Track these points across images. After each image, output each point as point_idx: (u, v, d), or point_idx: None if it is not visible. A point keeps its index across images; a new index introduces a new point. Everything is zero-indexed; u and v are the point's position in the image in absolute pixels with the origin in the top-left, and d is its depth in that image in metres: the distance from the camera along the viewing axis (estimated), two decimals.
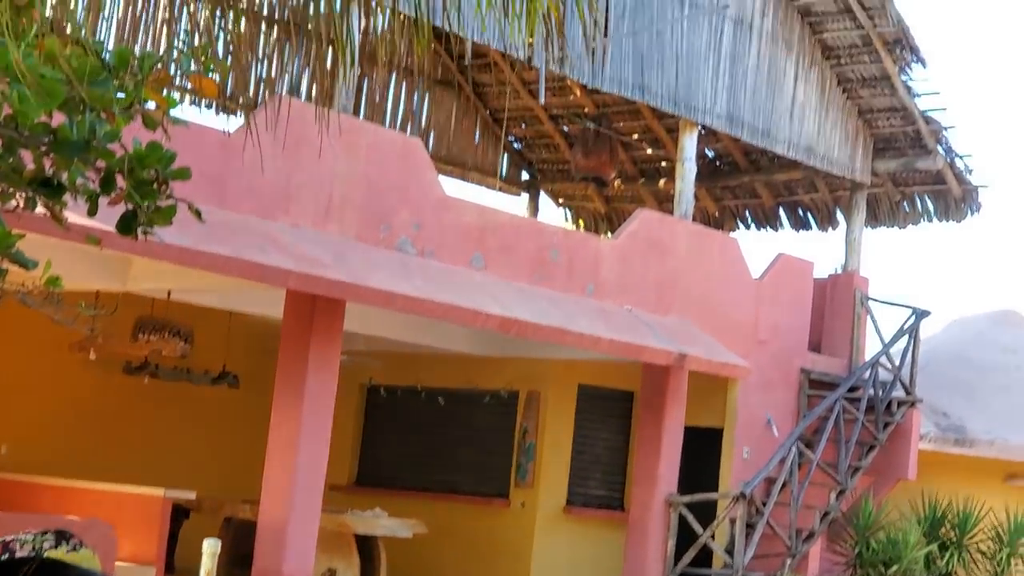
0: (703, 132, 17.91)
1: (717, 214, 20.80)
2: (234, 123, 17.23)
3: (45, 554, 6.61)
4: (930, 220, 19.31)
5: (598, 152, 19.06)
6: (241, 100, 17.89)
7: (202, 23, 7.32)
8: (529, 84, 19.81)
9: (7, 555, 6.27)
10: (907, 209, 19.42)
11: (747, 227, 20.83)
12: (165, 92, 4.92)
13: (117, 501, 13.49)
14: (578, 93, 19.56)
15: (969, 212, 18.99)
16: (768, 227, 20.68)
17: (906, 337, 18.18)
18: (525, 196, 21.88)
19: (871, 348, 18.40)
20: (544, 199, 22.04)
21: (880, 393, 17.64)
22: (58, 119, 4.48)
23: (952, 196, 18.86)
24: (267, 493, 12.72)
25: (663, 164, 20.37)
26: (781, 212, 20.48)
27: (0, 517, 11.46)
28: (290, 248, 12.23)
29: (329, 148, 12.99)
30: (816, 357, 18.00)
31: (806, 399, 17.68)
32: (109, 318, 14.86)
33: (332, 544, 14.78)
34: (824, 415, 17.03)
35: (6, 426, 15.63)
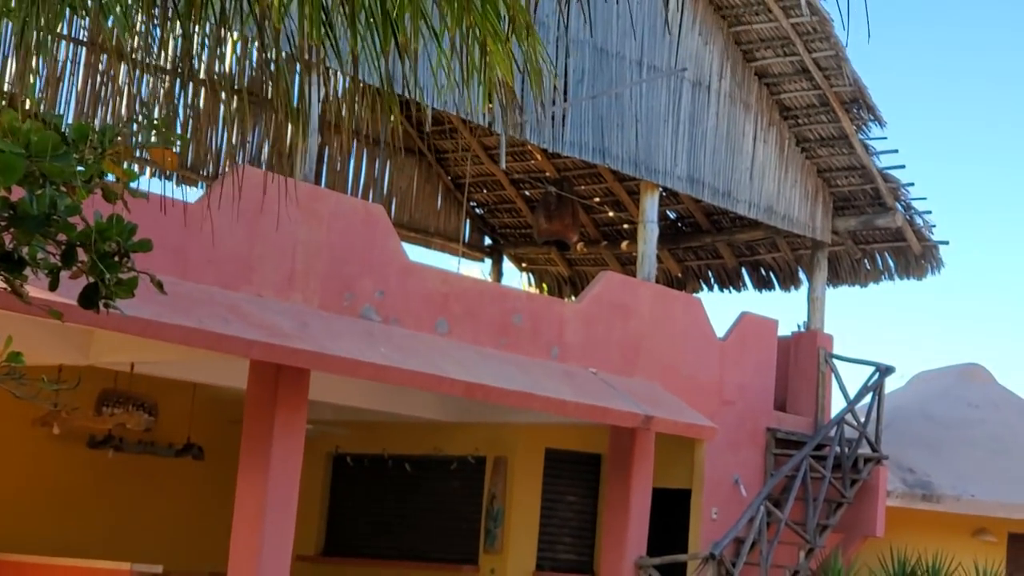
0: (664, 194, 18.00)
1: (680, 275, 20.87)
2: (195, 194, 17.22)
3: None
4: (891, 278, 19.41)
5: (560, 216, 19.12)
6: (201, 171, 17.89)
7: (162, 95, 7.34)
8: (490, 150, 19.89)
9: None
10: (868, 267, 19.53)
11: (710, 288, 20.90)
12: (125, 165, 4.92)
13: None
14: (539, 157, 19.65)
15: (930, 269, 19.10)
16: (731, 287, 20.75)
17: (871, 394, 18.24)
18: (488, 261, 21.91)
19: (836, 405, 18.45)
20: (507, 264, 22.08)
21: (846, 450, 17.67)
22: (18, 193, 4.46)
23: (912, 253, 18.98)
24: (234, 565, 12.61)
25: (625, 226, 20.44)
26: (743, 272, 20.57)
27: None
28: (253, 318, 12.20)
29: (291, 216, 12.99)
30: (782, 416, 18.03)
31: (773, 458, 17.69)
32: (72, 392, 14.77)
33: None
34: (791, 474, 17.04)
35: None
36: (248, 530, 12.54)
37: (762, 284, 20.48)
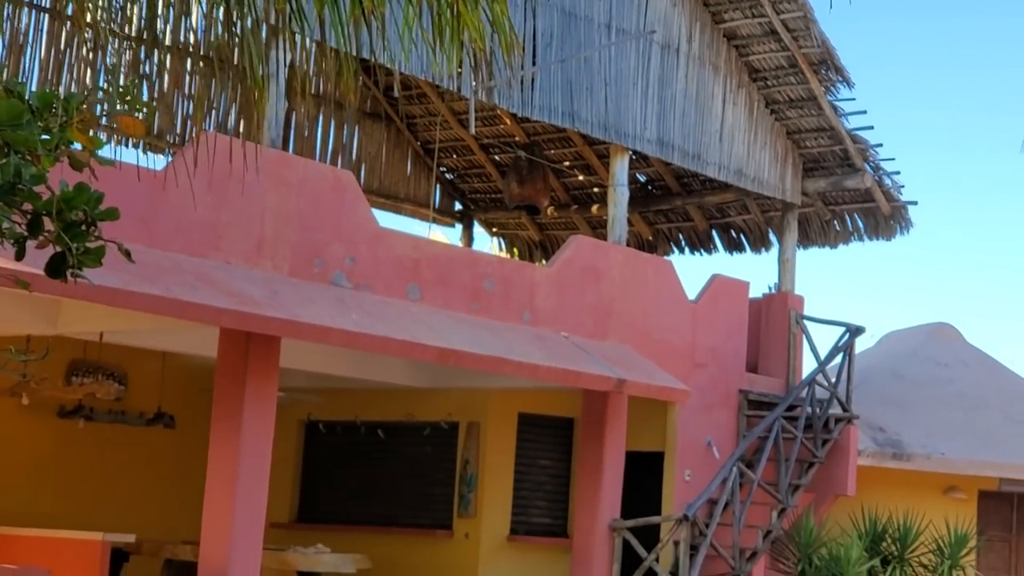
0: (634, 157, 17.98)
1: (651, 238, 20.87)
2: (162, 162, 17.11)
3: None
4: (860, 238, 19.46)
5: (531, 180, 19.08)
6: (168, 138, 17.78)
7: (126, 62, 7.26)
8: (459, 115, 19.82)
9: None
10: (838, 228, 19.56)
11: (681, 251, 20.92)
12: (91, 133, 4.86)
13: (55, 547, 13.33)
14: (508, 122, 19.59)
15: (899, 229, 19.15)
16: (702, 250, 20.77)
17: (841, 354, 18.30)
18: (458, 226, 21.87)
19: (807, 366, 18.51)
20: (477, 229, 22.05)
21: (818, 411, 17.74)
22: None
23: (881, 214, 19.02)
24: (207, 533, 12.59)
25: (595, 190, 20.42)
26: (714, 234, 20.59)
27: None
28: (223, 286, 12.14)
29: (259, 183, 12.93)
30: (754, 377, 18.07)
31: (745, 420, 17.75)
32: (41, 362, 14.71)
33: None
34: (763, 435, 17.10)
35: None
36: (220, 498, 12.51)
37: (733, 246, 20.50)
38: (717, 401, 17.43)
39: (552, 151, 19.91)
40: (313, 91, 19.13)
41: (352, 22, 5.40)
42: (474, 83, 6.55)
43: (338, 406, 17.46)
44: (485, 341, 14.10)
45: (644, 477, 16.80)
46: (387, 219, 19.83)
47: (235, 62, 6.48)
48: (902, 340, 21.81)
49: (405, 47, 6.37)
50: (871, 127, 18.20)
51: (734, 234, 20.42)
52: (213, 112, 18.15)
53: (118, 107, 5.08)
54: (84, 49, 16.07)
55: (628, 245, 17.07)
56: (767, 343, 18.48)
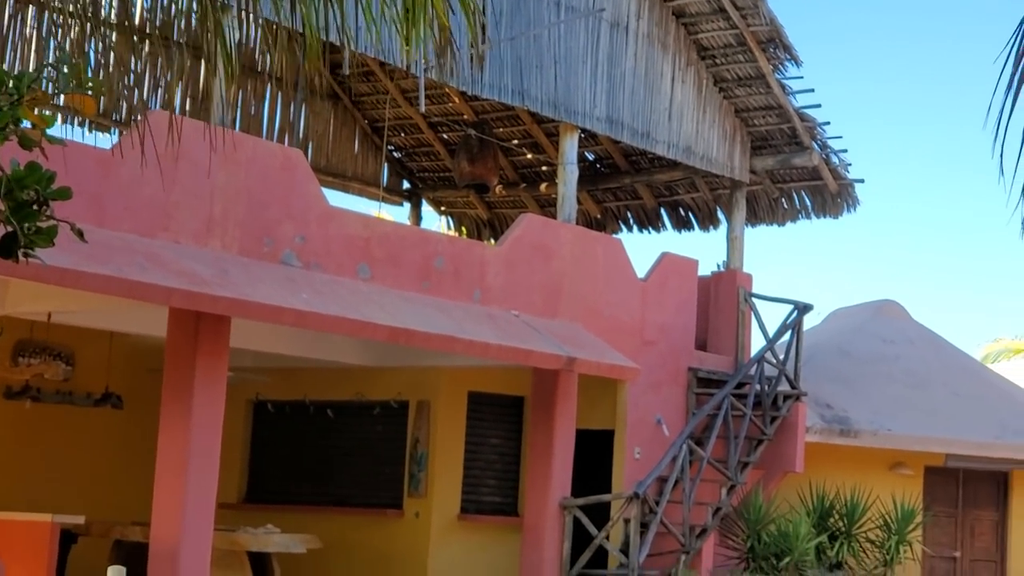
0: (583, 135, 17.98)
1: (599, 216, 20.89)
2: (109, 141, 16.97)
3: None
4: (808, 216, 19.55)
5: (482, 158, 19.05)
6: (114, 117, 17.64)
7: (72, 40, 7.19)
8: (407, 93, 19.75)
9: None
10: (785, 206, 19.65)
11: (629, 229, 20.95)
12: (40, 111, 4.81)
13: (3, 529, 13.23)
14: (457, 100, 19.54)
15: (846, 207, 19.25)
16: (650, 228, 20.82)
17: (789, 332, 18.39)
18: (407, 205, 21.82)
19: (756, 344, 18.60)
20: (426, 208, 22.00)
21: (766, 388, 17.83)
22: None
23: (829, 192, 19.11)
24: (158, 514, 12.53)
25: (544, 168, 20.41)
26: (663, 212, 20.63)
27: None
28: (172, 265, 12.06)
29: (207, 162, 12.83)
30: (703, 355, 18.14)
31: (694, 397, 17.82)
32: None
33: (225, 563, 14.61)
34: (713, 412, 17.17)
35: None
36: (171, 479, 12.45)
37: (681, 224, 20.56)
38: (666, 379, 17.49)
39: (501, 129, 19.88)
40: (260, 70, 19.02)
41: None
42: (440, 60, 6.50)
43: (287, 386, 17.39)
44: (436, 320, 14.08)
45: (594, 455, 16.84)
46: (335, 198, 19.73)
47: (182, 40, 6.43)
48: (849, 317, 21.95)
49: (356, 24, 6.33)
50: (819, 105, 18.30)
51: (683, 212, 20.48)
52: (160, 91, 18.03)
53: (70, 86, 5.03)
54: (27, 28, 15.92)
55: (577, 223, 17.08)
56: (716, 321, 18.55)
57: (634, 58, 17.14)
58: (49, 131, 4.80)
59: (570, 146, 16.59)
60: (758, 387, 17.68)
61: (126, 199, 12.29)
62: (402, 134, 20.96)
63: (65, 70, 5.03)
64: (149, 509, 12.69)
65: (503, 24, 15.65)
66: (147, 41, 17.51)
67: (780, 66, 17.83)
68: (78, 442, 16.77)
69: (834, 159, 18.71)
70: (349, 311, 13.07)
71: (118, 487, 16.42)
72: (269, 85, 19.22)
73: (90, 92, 5.07)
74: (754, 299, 18.58)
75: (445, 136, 20.63)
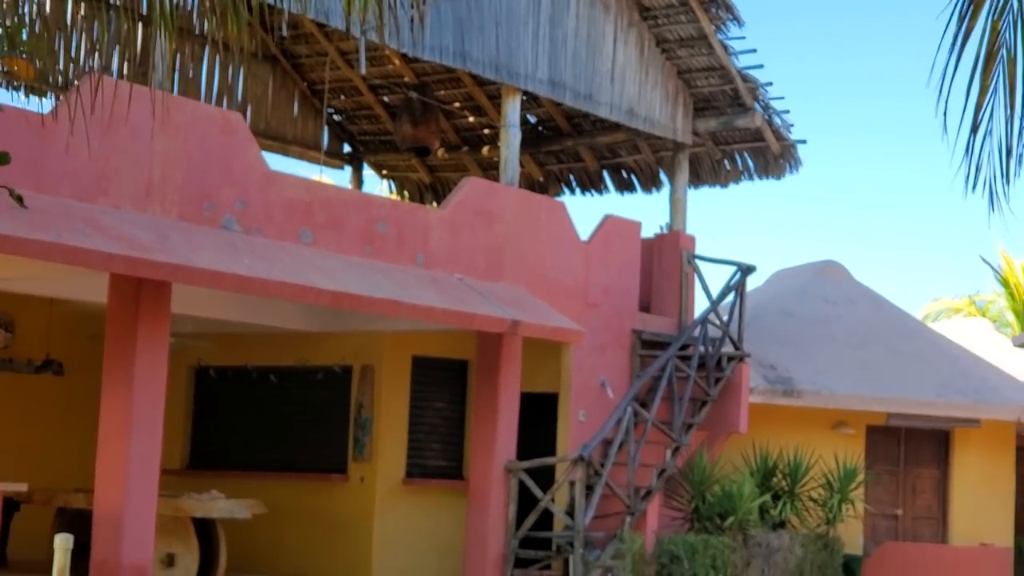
0: (525, 98, 17.90)
1: (542, 179, 20.85)
2: (46, 105, 16.75)
3: None
4: (751, 177, 19.58)
5: (425, 121, 18.95)
6: (51, 81, 17.41)
7: (6, 2, 7.06)
8: (347, 55, 19.60)
9: None
10: (728, 167, 19.66)
11: (572, 191, 20.93)
12: None
13: None
14: (397, 63, 19.42)
15: (788, 168, 19.29)
16: (593, 190, 20.80)
17: (733, 293, 18.43)
18: (348, 169, 21.69)
19: (699, 306, 18.65)
20: (367, 171, 21.87)
21: (710, 350, 17.87)
22: None
23: (771, 153, 19.15)
24: (101, 481, 12.43)
25: (486, 131, 20.34)
26: (605, 175, 20.61)
27: None
28: (112, 231, 11.93)
29: (146, 126, 12.70)
30: (647, 317, 18.16)
31: (639, 359, 17.84)
32: None
33: (170, 529, 14.53)
34: (657, 374, 17.20)
35: None
36: (114, 446, 12.35)
37: (624, 186, 20.55)
38: (611, 341, 17.50)
39: (442, 92, 19.77)
40: (198, 32, 18.82)
41: None
42: (380, 21, 6.42)
43: (229, 352, 17.28)
44: (380, 284, 14.01)
45: (539, 418, 16.84)
46: (275, 162, 19.61)
47: (118, 2, 6.32)
48: (791, 278, 22.05)
49: None
50: (761, 66, 18.30)
51: (625, 174, 20.47)
52: (97, 55, 17.81)
53: (5, 48, 4.97)
54: None
55: (520, 187, 17.03)
56: (660, 283, 18.57)
57: (576, 19, 17.07)
58: None
59: (512, 109, 16.51)
60: (702, 349, 17.73)
61: (64, 164, 12.13)
62: (342, 97, 20.81)
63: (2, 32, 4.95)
64: (92, 476, 12.58)
65: None
66: (83, 3, 17.28)
67: (722, 26, 17.79)
68: (19, 409, 16.60)
69: (776, 120, 18.73)
70: (291, 276, 12.97)
71: (60, 454, 16.28)
72: (207, 48, 19.01)
73: (24, 55, 4.99)
74: (697, 261, 18.61)
75: (386, 99, 20.50)
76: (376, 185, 22.08)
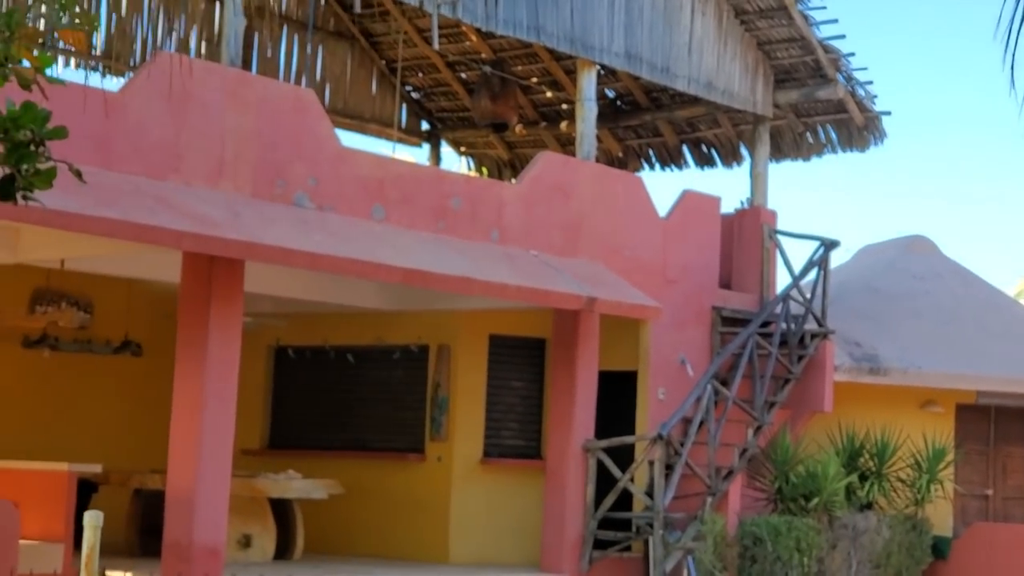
0: (602, 72, 17.66)
1: (620, 154, 20.61)
2: (119, 83, 16.77)
3: None
4: (834, 150, 19.23)
5: (503, 97, 18.78)
6: (127, 60, 17.45)
7: None
8: (423, 32, 19.46)
9: None
10: (810, 140, 19.32)
11: (651, 166, 20.66)
12: (36, 51, 4.67)
13: (20, 479, 13.13)
14: (474, 39, 19.27)
15: (872, 140, 18.93)
16: (672, 165, 20.52)
17: (816, 269, 18.13)
18: (426, 146, 21.59)
19: (781, 282, 18.34)
20: (445, 149, 21.75)
21: (792, 327, 17.57)
22: None
23: (854, 125, 18.77)
24: (174, 461, 12.40)
25: (564, 107, 20.13)
26: (685, 149, 20.33)
27: None
28: (182, 208, 11.87)
29: (217, 103, 12.65)
30: (727, 294, 17.89)
31: (719, 337, 17.57)
32: (4, 291, 14.47)
33: (246, 509, 14.53)
34: (737, 352, 16.93)
35: None
36: (187, 426, 12.32)
37: (704, 161, 20.26)
38: (690, 318, 17.24)
39: (519, 67, 19.58)
40: (275, 11, 18.79)
41: None
42: None
43: (307, 331, 17.24)
44: (452, 261, 13.86)
45: (617, 397, 16.64)
46: (354, 140, 19.56)
47: None
48: (877, 254, 21.65)
49: None
50: (843, 36, 17.92)
51: (705, 149, 20.17)
52: (174, 34, 17.85)
53: (63, 21, 4.91)
54: None
55: (598, 162, 16.81)
56: (740, 259, 18.28)
57: None
58: (48, 72, 4.71)
59: (588, 82, 16.27)
60: (784, 325, 17.43)
61: (135, 141, 12.10)
62: (420, 74, 20.68)
63: (56, 4, 4.89)
64: (167, 457, 12.55)
65: None
66: None
67: None
68: (97, 390, 16.67)
69: (859, 91, 18.35)
70: (362, 253, 12.85)
71: (138, 435, 16.32)
72: (285, 27, 18.98)
73: (82, 27, 4.93)
74: (779, 236, 18.30)
75: (463, 76, 20.36)
76: (455, 162, 21.94)
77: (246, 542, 14.65)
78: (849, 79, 18.18)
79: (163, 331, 15.55)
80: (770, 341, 17.22)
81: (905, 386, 18.75)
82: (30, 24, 4.75)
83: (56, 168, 4.48)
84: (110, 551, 13.79)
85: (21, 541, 11.42)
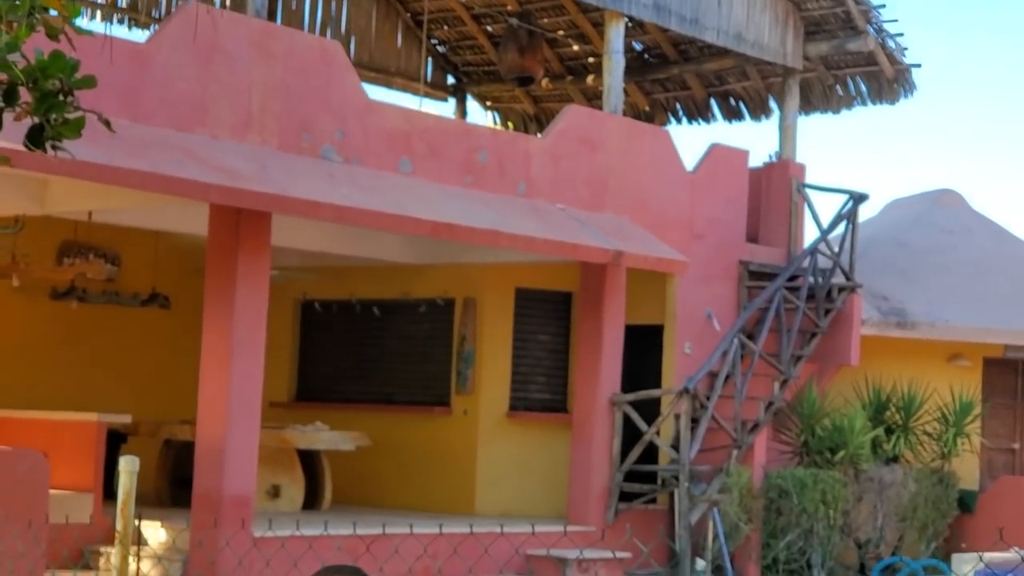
0: (629, 24, 17.57)
1: (647, 108, 20.51)
2: (146, 36, 16.75)
3: None
4: (864, 103, 19.09)
5: (531, 50, 18.70)
6: (152, 12, 17.43)
7: None
8: None
9: None
10: (840, 93, 19.19)
11: (678, 120, 20.56)
12: (65, 1, 4.69)
13: (50, 429, 13.22)
14: None
15: (903, 93, 18.79)
16: (700, 119, 20.42)
17: (844, 223, 18.05)
18: (452, 100, 21.53)
19: (809, 236, 18.27)
20: (471, 103, 21.69)
21: (820, 280, 17.52)
22: None
23: (885, 77, 18.64)
24: (203, 412, 12.46)
25: (590, 60, 20.03)
26: (713, 103, 20.22)
27: None
28: (210, 160, 11.88)
29: (244, 55, 12.64)
30: (754, 248, 17.83)
31: (746, 291, 17.53)
32: (32, 243, 14.52)
33: (275, 460, 14.62)
34: (764, 306, 16.90)
35: None
36: (215, 378, 12.37)
37: (732, 115, 20.15)
38: (717, 272, 17.21)
39: (545, 20, 19.49)
40: None
41: None
42: None
43: (334, 284, 17.28)
44: (479, 214, 13.85)
45: (644, 350, 16.63)
46: (379, 93, 19.49)
47: None
48: (906, 207, 21.55)
49: None
50: None
51: (733, 102, 20.06)
52: None
53: None
54: None
55: (624, 115, 16.74)
56: (768, 213, 18.21)
57: None
58: (76, 22, 4.73)
59: (615, 35, 16.19)
60: (811, 279, 17.38)
61: (162, 94, 12.10)
62: (445, 27, 20.61)
63: None
64: (195, 408, 12.61)
65: None
66: None
67: None
68: (125, 342, 16.75)
69: (890, 43, 18.22)
70: (390, 206, 12.85)
71: (167, 387, 16.41)
72: None
73: None
74: (807, 189, 18.22)
75: (489, 28, 20.27)
76: (481, 117, 21.89)
77: (275, 492, 14.74)
78: (880, 31, 18.04)
79: (191, 284, 15.60)
80: (797, 295, 17.17)
81: (932, 340, 18.71)
82: None
83: (84, 117, 4.49)
84: (140, 501, 13.75)
85: (51, 491, 11.49)
